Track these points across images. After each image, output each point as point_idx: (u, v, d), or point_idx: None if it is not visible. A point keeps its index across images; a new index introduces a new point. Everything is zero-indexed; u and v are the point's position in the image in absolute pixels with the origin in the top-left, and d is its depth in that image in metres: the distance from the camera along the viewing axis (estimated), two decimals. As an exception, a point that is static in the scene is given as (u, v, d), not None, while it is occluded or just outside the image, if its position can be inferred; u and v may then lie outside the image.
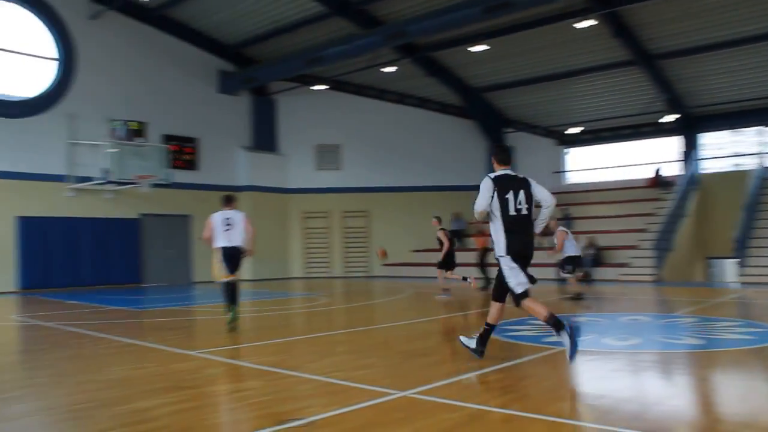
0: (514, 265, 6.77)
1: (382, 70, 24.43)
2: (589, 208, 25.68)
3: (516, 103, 27.70)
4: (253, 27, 24.02)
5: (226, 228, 10.20)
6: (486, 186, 6.84)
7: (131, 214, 22.93)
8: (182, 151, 24.27)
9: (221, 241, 10.20)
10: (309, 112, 27.60)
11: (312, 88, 26.40)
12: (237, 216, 10.34)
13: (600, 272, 21.33)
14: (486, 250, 17.82)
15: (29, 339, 10.34)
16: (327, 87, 26.47)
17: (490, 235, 7.21)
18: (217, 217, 10.28)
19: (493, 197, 6.78)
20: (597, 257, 21.58)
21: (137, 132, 21.25)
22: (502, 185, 6.84)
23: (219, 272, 10.31)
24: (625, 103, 26.13)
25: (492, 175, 6.98)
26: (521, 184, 6.91)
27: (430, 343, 8.67)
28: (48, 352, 8.56)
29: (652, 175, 26.16)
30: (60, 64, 21.75)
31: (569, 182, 29.50)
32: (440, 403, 5.23)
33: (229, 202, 10.52)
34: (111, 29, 22.69)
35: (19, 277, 20.41)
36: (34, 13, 21.32)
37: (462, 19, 19.22)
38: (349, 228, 27.54)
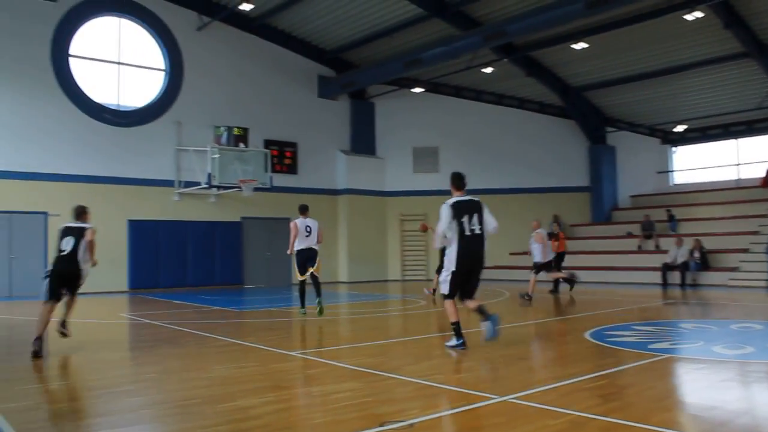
0: (449, 278, 8.13)
1: (481, 71, 24.23)
2: (696, 210, 24.64)
3: (618, 102, 26.89)
4: (352, 32, 24.37)
5: (306, 234, 12.24)
6: (446, 212, 8.07)
7: (233, 217, 23.66)
8: (282, 155, 24.88)
9: (301, 244, 12.22)
10: (406, 114, 27.74)
11: (411, 90, 26.53)
12: (314, 224, 12.41)
13: (707, 277, 20.46)
14: (560, 255, 18.46)
15: (139, 336, 10.82)
16: (424, 90, 26.53)
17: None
18: (301, 224, 12.25)
19: (451, 221, 7.99)
20: (703, 261, 20.70)
21: (240, 137, 21.91)
22: (459, 210, 8.06)
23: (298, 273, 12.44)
24: (738, 97, 24.82)
25: (449, 201, 8.15)
26: (475, 207, 8.17)
27: (529, 348, 8.53)
28: (156, 349, 8.92)
29: (765, 173, 24.75)
30: (168, 75, 22.72)
31: (675, 183, 28.36)
32: (540, 409, 5.13)
33: (305, 211, 12.51)
34: (215, 39, 23.53)
35: (129, 278, 21.40)
36: (146, 28, 22.39)
37: (563, 16, 18.84)
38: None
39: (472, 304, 8.17)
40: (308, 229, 12.23)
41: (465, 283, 8.18)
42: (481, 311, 8.07)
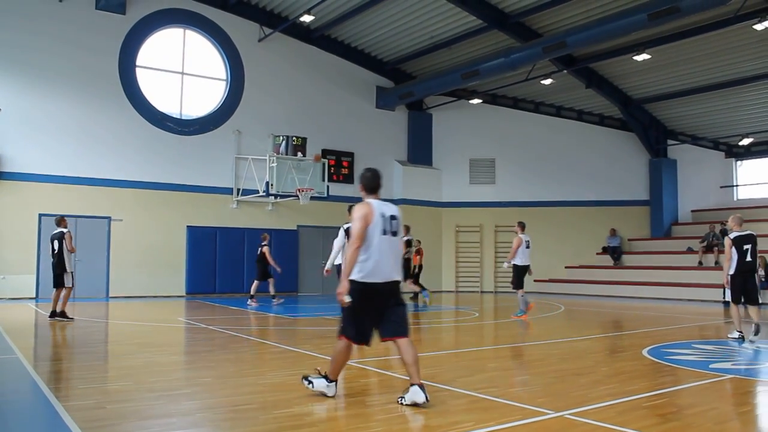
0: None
1: (540, 82, 24.00)
2: (761, 226, 23.82)
3: (680, 114, 26.29)
4: (411, 43, 24.49)
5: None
6: (341, 233, 10.93)
7: (290, 225, 23.93)
8: (339, 165, 25.10)
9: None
10: (463, 125, 27.68)
11: (470, 102, 26.50)
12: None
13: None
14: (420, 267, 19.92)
15: (196, 341, 11.01)
16: (482, 101, 26.46)
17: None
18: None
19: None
20: (769, 279, 20.06)
21: (298, 147, 22.14)
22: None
23: None
24: (808, 111, 24.03)
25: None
26: None
27: (585, 363, 8.39)
28: (212, 354, 9.07)
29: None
30: (229, 85, 23.17)
31: (740, 197, 27.51)
32: (597, 426, 5.05)
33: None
34: (276, 50, 23.91)
35: (187, 282, 21.81)
36: (209, 39, 22.89)
37: (625, 27, 18.51)
38: (501, 243, 27.22)
39: None
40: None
41: None
42: None
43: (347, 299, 5.66)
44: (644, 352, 9.12)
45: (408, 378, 5.79)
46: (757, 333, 9.95)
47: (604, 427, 5.03)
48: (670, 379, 7.27)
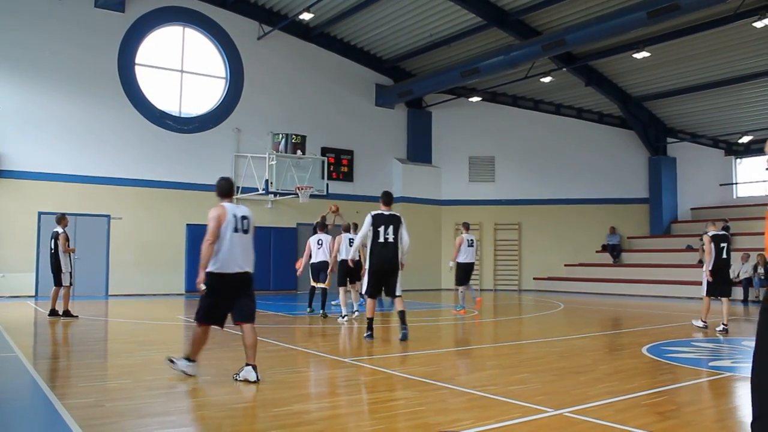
0: (368, 277, 9.96)
1: (540, 80, 23.97)
2: (760, 224, 23.84)
3: (680, 112, 26.29)
4: (410, 41, 24.48)
5: (318, 247, 13.80)
6: (366, 221, 9.90)
7: (289, 223, 23.92)
8: (339, 163, 25.10)
9: (314, 258, 13.85)
10: (463, 123, 27.68)
11: (469, 100, 26.48)
12: (326, 238, 13.83)
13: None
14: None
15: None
16: (481, 99, 26.44)
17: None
18: (313, 239, 13.92)
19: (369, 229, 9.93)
20: (767, 277, 20.10)
21: (298, 145, 22.13)
22: (377, 220, 9.84)
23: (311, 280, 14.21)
24: (808, 108, 24.02)
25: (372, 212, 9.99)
26: (393, 220, 9.90)
27: (585, 361, 8.39)
28: (212, 352, 9.04)
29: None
30: (228, 82, 23.16)
31: (739, 195, 27.50)
32: (597, 425, 5.04)
33: (322, 228, 14.12)
34: (275, 48, 23.90)
35: (186, 281, 21.77)
36: (208, 37, 22.90)
37: (624, 25, 18.53)
38: (501, 241, 27.25)
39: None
40: (319, 243, 13.83)
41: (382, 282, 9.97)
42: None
43: (203, 287, 6.55)
44: (643, 349, 9.12)
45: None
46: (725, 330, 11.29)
47: (603, 425, 5.02)
48: (669, 377, 7.27)
